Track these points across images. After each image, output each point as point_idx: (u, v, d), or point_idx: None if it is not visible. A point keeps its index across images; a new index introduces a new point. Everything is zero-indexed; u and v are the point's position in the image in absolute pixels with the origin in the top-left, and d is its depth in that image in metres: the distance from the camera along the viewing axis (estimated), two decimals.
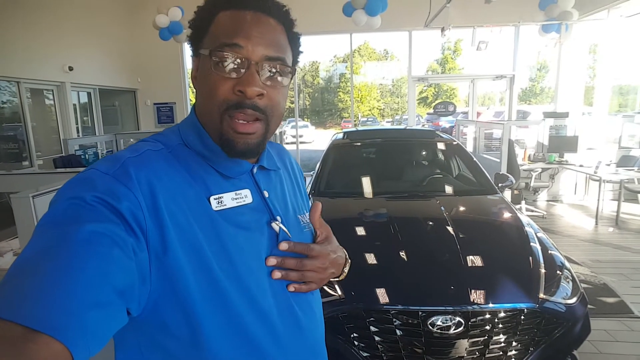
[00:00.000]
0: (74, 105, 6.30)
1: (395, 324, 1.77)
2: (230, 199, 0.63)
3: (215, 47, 0.59)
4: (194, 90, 0.67)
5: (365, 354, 1.76)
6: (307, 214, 0.80)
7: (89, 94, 6.68)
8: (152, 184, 0.56)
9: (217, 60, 0.58)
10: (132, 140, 6.66)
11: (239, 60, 0.58)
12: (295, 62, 0.68)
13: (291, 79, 0.65)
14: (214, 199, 0.61)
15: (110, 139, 5.67)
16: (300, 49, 0.69)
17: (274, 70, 0.61)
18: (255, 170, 0.69)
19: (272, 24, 0.62)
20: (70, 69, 5.70)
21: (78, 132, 6.33)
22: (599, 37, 6.23)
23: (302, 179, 0.87)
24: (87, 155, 4.86)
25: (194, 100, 0.68)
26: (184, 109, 7.60)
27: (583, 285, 2.67)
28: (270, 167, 0.73)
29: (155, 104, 7.64)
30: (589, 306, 1.97)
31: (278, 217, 0.69)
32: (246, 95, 0.58)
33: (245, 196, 0.66)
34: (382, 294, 1.86)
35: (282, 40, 0.63)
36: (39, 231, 0.48)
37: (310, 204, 0.84)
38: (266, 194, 0.69)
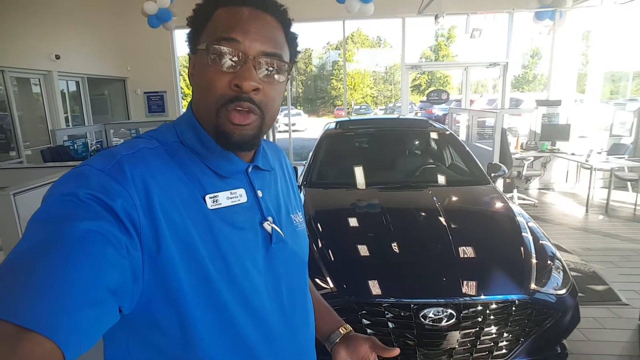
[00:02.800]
0: (64, 94, 6.18)
1: (387, 316, 1.77)
2: (225, 198, 0.63)
3: (212, 41, 0.58)
4: (191, 86, 0.66)
5: None
6: (300, 213, 0.80)
7: (77, 83, 6.55)
8: (146, 182, 0.55)
9: (214, 57, 0.58)
10: (123, 130, 6.58)
11: (236, 58, 0.58)
12: (292, 61, 0.67)
13: (287, 76, 0.65)
14: (209, 197, 0.61)
15: (99, 129, 5.57)
16: (298, 48, 0.69)
17: (271, 68, 0.61)
18: (250, 169, 0.69)
19: (269, 20, 0.62)
20: (57, 57, 5.56)
21: (68, 121, 6.21)
22: (592, 23, 6.20)
23: (294, 178, 0.87)
24: (76, 146, 4.77)
25: (185, 89, 0.65)
26: (175, 98, 7.50)
27: (573, 273, 2.71)
28: (264, 167, 0.73)
29: (145, 92, 7.52)
30: (578, 294, 1.99)
31: (269, 218, 0.68)
32: (242, 90, 0.58)
33: (240, 195, 0.65)
34: (374, 287, 1.86)
35: (279, 37, 0.63)
36: (32, 227, 0.47)
37: (301, 201, 0.84)
38: (260, 194, 0.69)
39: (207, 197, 0.61)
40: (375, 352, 0.76)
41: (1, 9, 4.70)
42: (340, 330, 0.83)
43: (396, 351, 0.74)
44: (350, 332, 0.83)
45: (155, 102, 7.51)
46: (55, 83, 5.66)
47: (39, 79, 5.61)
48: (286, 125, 8.26)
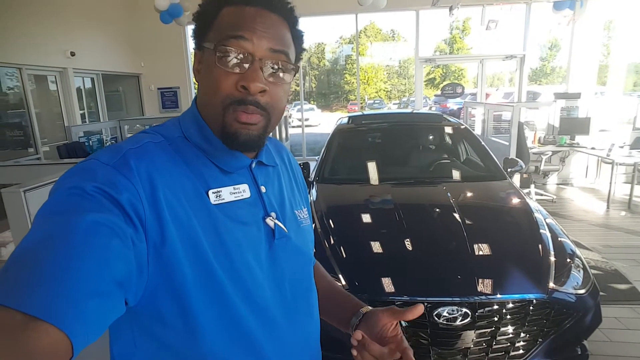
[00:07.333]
0: (80, 91, 6.27)
1: None
2: (228, 193, 0.63)
3: (219, 40, 0.59)
4: (197, 83, 0.67)
5: None
6: (305, 209, 0.80)
7: (92, 80, 6.63)
8: (152, 176, 0.56)
9: (221, 55, 0.59)
10: (138, 126, 6.66)
11: (242, 56, 0.59)
12: (298, 59, 0.68)
13: (294, 76, 0.65)
14: (213, 192, 0.62)
15: (114, 125, 5.63)
16: (303, 45, 0.70)
17: (276, 67, 0.61)
18: (253, 165, 0.69)
19: (276, 19, 0.62)
20: (72, 54, 5.64)
21: (84, 118, 6.31)
22: (615, 13, 5.99)
23: (299, 173, 0.87)
24: (91, 142, 4.84)
25: (197, 85, 0.66)
26: (188, 94, 7.55)
27: (593, 271, 2.62)
28: (268, 162, 0.73)
29: (159, 88, 7.58)
30: (600, 293, 1.92)
31: (272, 214, 0.69)
32: (249, 91, 0.58)
33: (243, 191, 0.66)
34: (386, 284, 1.83)
35: (286, 35, 0.64)
36: (40, 220, 0.48)
37: (308, 196, 0.84)
38: (263, 189, 0.69)
39: (210, 192, 0.61)
40: (396, 319, 0.70)
41: (17, 8, 4.78)
42: (361, 311, 0.77)
43: (419, 309, 0.67)
44: (370, 310, 0.76)
45: (169, 97, 7.57)
46: (70, 80, 5.75)
47: (55, 76, 5.70)
48: (299, 120, 8.24)
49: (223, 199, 0.62)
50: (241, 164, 0.67)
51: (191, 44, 7.60)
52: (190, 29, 7.30)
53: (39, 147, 5.26)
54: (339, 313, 0.80)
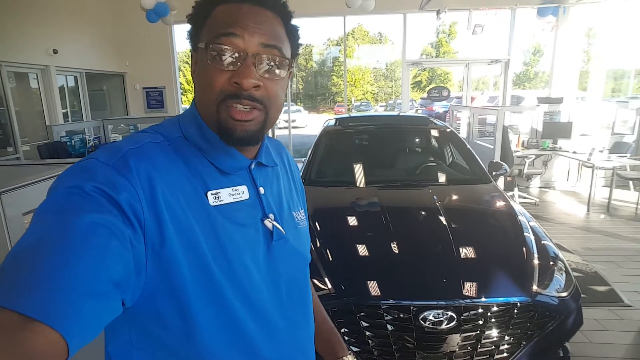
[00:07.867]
0: (63, 89, 6.13)
1: (386, 318, 1.74)
2: (227, 195, 0.64)
3: (211, 38, 0.59)
4: (194, 84, 0.66)
5: (355, 349, 1.73)
6: (302, 211, 0.81)
7: (75, 78, 6.49)
8: (151, 176, 0.56)
9: (215, 54, 0.59)
10: (122, 125, 6.53)
11: (237, 55, 0.59)
12: (294, 54, 0.68)
13: (289, 71, 0.65)
14: (212, 194, 0.62)
15: (97, 125, 5.52)
16: (300, 41, 0.70)
17: (272, 64, 0.61)
18: (253, 166, 0.69)
19: (269, 15, 0.63)
20: (55, 52, 5.51)
21: (67, 117, 6.17)
22: (595, 20, 6.14)
23: (298, 175, 0.87)
24: (73, 142, 4.73)
25: (184, 85, 0.64)
26: (174, 94, 7.44)
27: (574, 273, 2.67)
28: (268, 163, 0.73)
29: (144, 88, 7.46)
30: (581, 295, 1.95)
31: (270, 215, 0.69)
32: (242, 87, 0.58)
33: (242, 192, 0.66)
34: (373, 288, 1.82)
35: (279, 31, 0.64)
36: (37, 219, 0.48)
37: (304, 198, 0.86)
38: (262, 191, 0.69)
39: (209, 193, 0.62)
40: None
41: None
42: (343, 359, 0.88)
43: None
44: None
45: (154, 97, 7.46)
46: (53, 78, 5.61)
47: (37, 74, 5.56)
48: (286, 121, 8.20)
49: (222, 200, 0.62)
50: (240, 164, 0.67)
51: (178, 44, 7.51)
52: (176, 28, 7.22)
53: (19, 146, 5.12)
54: (320, 342, 0.89)
